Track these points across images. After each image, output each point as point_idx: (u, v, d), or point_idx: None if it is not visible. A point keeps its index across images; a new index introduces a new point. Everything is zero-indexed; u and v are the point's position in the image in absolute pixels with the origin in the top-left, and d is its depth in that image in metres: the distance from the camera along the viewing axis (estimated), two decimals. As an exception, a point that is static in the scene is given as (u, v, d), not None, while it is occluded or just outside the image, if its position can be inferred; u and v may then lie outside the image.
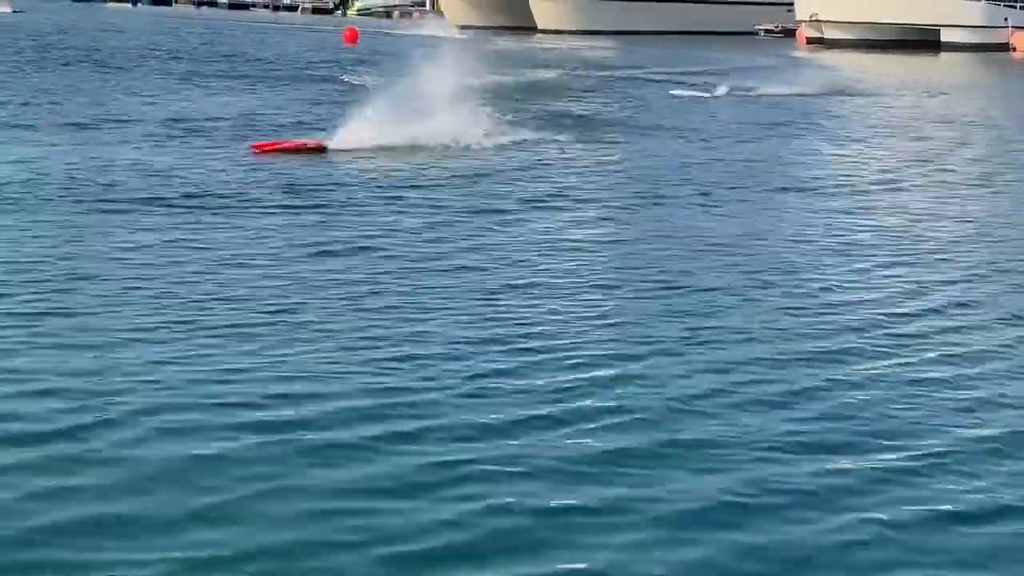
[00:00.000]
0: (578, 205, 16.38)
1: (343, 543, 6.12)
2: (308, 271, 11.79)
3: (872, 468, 7.33)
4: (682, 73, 44.70)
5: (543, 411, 8.06)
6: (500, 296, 11.08)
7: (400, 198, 16.12)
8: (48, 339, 9.21)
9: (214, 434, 7.43)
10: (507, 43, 67.64)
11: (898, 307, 11.29)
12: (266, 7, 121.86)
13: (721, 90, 36.26)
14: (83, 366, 8.57)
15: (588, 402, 8.25)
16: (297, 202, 15.55)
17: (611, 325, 10.26)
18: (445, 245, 13.29)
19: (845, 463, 7.40)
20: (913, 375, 9.19)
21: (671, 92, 36.43)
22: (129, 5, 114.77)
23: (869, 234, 15.05)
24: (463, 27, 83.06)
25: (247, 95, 31.15)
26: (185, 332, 9.54)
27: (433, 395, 8.29)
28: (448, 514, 6.48)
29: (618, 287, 11.66)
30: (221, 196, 15.70)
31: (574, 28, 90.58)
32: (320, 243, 13.10)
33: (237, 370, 8.65)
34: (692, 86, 37.83)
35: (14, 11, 79.17)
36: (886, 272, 12.87)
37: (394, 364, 8.93)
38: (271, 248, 12.79)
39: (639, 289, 11.60)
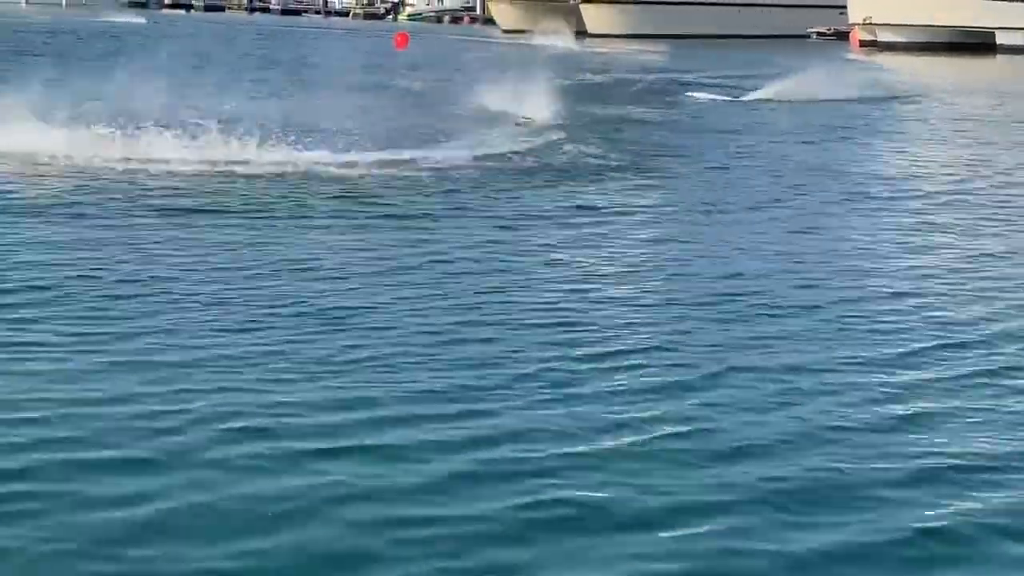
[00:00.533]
0: (636, 214, 16.31)
1: (416, 556, 6.10)
2: (361, 280, 11.73)
3: (961, 507, 7.06)
4: (728, 77, 44.48)
5: (615, 422, 8.00)
6: (564, 307, 10.97)
7: (464, 208, 16.07)
8: (103, 352, 9.20)
9: (278, 442, 7.41)
10: (559, 47, 67.45)
11: (969, 321, 11.07)
12: (317, 12, 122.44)
13: (753, 95, 35.86)
14: (141, 377, 8.55)
15: (660, 414, 8.18)
16: (353, 210, 15.57)
17: (679, 336, 10.14)
18: (505, 254, 13.25)
19: (926, 491, 7.26)
20: (987, 396, 8.94)
21: (688, 94, 36.12)
22: (183, 12, 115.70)
23: (938, 243, 14.84)
24: (580, 34, 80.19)
25: (290, 100, 31.24)
26: (247, 339, 9.54)
27: (497, 398, 8.27)
28: (511, 516, 6.48)
29: (683, 299, 11.50)
30: (269, 204, 15.76)
31: (624, 32, 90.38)
32: (374, 252, 13.09)
33: (300, 379, 8.63)
34: (721, 90, 37.41)
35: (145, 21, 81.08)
36: (956, 283, 12.66)
37: (460, 374, 8.89)
38: (327, 256, 12.72)
39: (704, 302, 11.42)
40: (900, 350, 10.03)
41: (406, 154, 20.24)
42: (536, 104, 26.79)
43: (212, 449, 7.27)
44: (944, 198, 18.84)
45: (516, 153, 21.07)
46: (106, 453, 7.16)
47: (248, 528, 6.30)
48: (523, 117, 24.26)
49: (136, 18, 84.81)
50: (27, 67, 32.77)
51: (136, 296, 10.71)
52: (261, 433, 7.54)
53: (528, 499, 6.74)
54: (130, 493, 6.62)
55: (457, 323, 10.24)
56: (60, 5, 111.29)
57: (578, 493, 6.84)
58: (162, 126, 20.35)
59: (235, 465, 7.05)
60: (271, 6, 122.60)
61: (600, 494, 6.84)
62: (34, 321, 9.88)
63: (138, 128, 20.18)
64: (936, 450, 7.76)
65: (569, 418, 8.02)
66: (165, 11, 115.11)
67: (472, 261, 12.72)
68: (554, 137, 22.88)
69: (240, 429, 7.59)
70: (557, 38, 70.23)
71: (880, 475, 7.34)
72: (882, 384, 9.04)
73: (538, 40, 67.55)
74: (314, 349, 9.32)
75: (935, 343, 10.26)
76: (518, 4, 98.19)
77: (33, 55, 43.46)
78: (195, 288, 11.07)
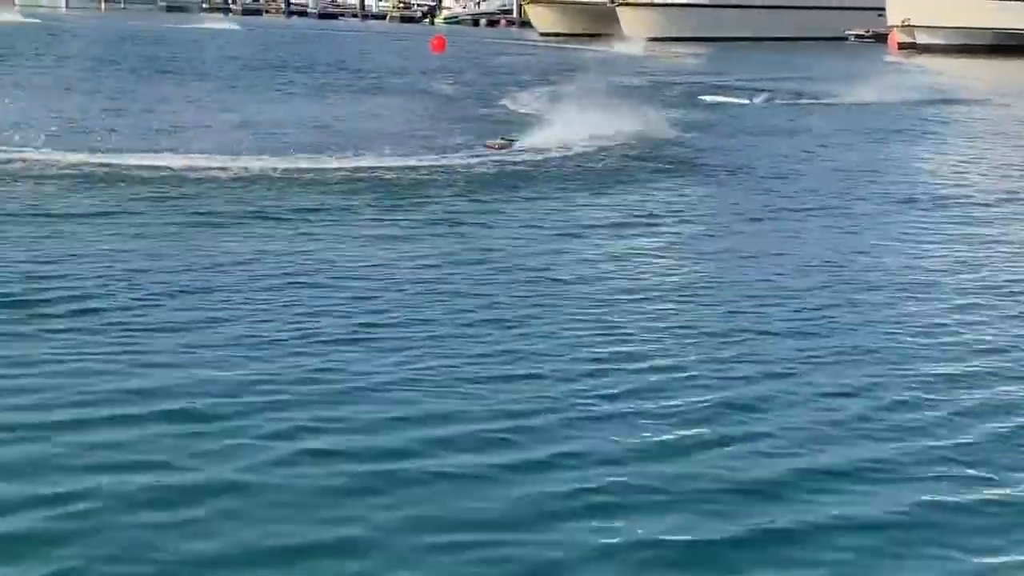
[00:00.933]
0: (684, 221, 16.11)
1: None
2: (404, 291, 11.57)
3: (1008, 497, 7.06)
4: (769, 79, 44.09)
5: (667, 435, 7.85)
6: (612, 318, 10.81)
7: (499, 212, 15.95)
8: (152, 357, 9.13)
9: (331, 462, 7.28)
10: (592, 50, 67.17)
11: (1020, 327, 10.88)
12: (354, 16, 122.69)
13: (760, 98, 35.52)
14: (185, 387, 8.44)
15: (712, 426, 8.03)
16: (393, 217, 15.45)
17: (732, 349, 9.96)
18: (549, 262, 13.09)
19: (979, 491, 7.15)
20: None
21: (702, 98, 35.83)
22: (221, 15, 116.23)
23: (997, 255, 14.53)
24: (651, 39, 78.80)
25: (341, 104, 31.25)
26: (293, 349, 9.44)
27: (554, 418, 8.11)
28: (579, 544, 6.28)
29: (735, 310, 11.31)
30: (315, 208, 15.70)
31: (661, 35, 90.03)
32: (416, 261, 12.95)
33: (349, 392, 8.51)
34: (762, 92, 36.91)
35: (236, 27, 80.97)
36: (1006, 290, 12.42)
37: (509, 384, 8.76)
38: (368, 266, 12.57)
39: (756, 313, 11.22)
40: (957, 369, 9.75)
41: (447, 158, 20.18)
42: (575, 109, 26.58)
43: (264, 472, 7.13)
44: (1002, 208, 18.40)
45: (558, 158, 20.92)
46: (154, 478, 7.01)
47: (303, 556, 6.15)
48: (502, 138, 22.94)
49: (229, 24, 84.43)
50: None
51: (179, 307, 10.62)
52: (314, 456, 7.38)
53: (589, 524, 6.57)
54: (181, 520, 6.49)
55: (504, 336, 10.09)
56: (99, 8, 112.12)
57: (635, 516, 6.67)
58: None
59: (290, 489, 6.90)
60: (308, 10, 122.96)
61: (658, 518, 6.67)
62: (74, 332, 9.80)
63: None
64: (999, 476, 7.54)
65: (623, 436, 7.84)
66: (203, 15, 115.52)
67: (517, 270, 12.56)
68: (596, 142, 22.67)
69: (294, 452, 7.44)
70: (625, 44, 69.11)
71: (940, 499, 7.14)
72: (940, 405, 8.80)
73: (593, 45, 66.57)
74: (360, 363, 9.18)
75: (994, 362, 9.96)
76: (555, 7, 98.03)
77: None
78: (237, 299, 10.97)
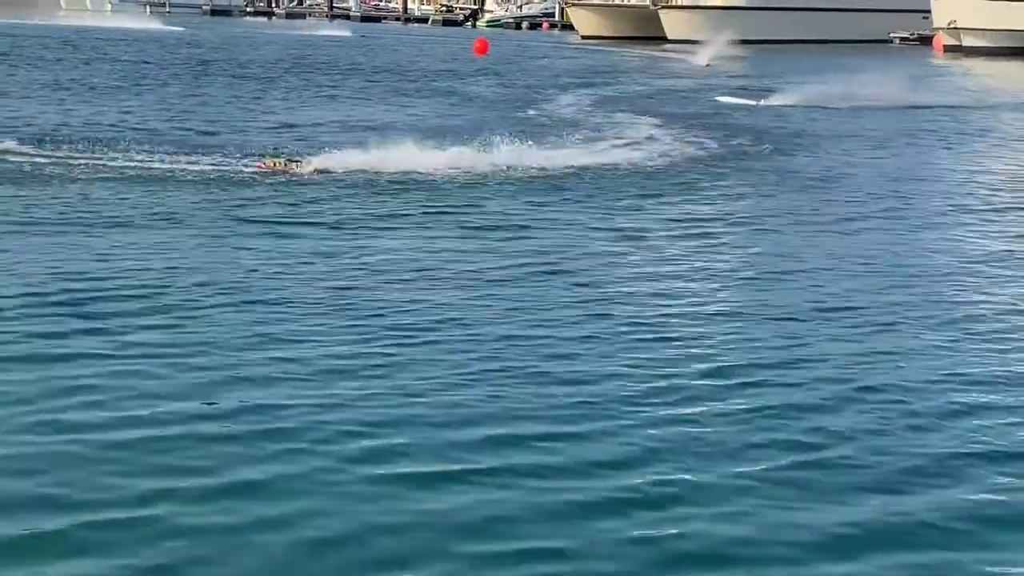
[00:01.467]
0: (736, 223, 16.02)
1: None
2: (458, 291, 11.54)
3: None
4: (815, 82, 43.63)
5: (734, 447, 7.78)
6: (670, 321, 10.75)
7: (555, 219, 15.81)
8: (196, 366, 9.09)
9: (385, 466, 7.26)
10: (637, 54, 66.87)
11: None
12: (397, 20, 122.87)
13: (770, 100, 35.27)
14: (241, 402, 8.35)
15: (781, 438, 7.95)
16: (445, 219, 15.41)
17: (792, 352, 9.89)
18: (603, 265, 13.02)
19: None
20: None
21: (716, 99, 35.60)
22: (265, 19, 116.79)
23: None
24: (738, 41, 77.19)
25: (387, 105, 31.32)
26: (344, 353, 9.41)
27: (616, 425, 8.07)
28: (651, 564, 6.25)
29: (794, 312, 11.23)
30: (353, 212, 15.66)
31: (705, 38, 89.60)
32: (470, 262, 12.88)
33: (404, 396, 8.49)
34: (809, 96, 36.56)
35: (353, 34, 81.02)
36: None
37: (568, 392, 8.70)
38: (421, 267, 12.55)
39: (815, 316, 11.13)
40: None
41: (495, 162, 20.04)
42: (618, 114, 26.48)
43: (316, 476, 7.12)
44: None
45: (605, 162, 20.78)
46: (201, 480, 7.02)
47: (355, 561, 6.14)
48: (286, 160, 19.10)
49: (342, 31, 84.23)
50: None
51: (231, 306, 10.63)
52: (368, 457, 7.37)
53: (648, 531, 6.52)
54: (229, 523, 6.49)
55: (561, 338, 10.04)
56: (144, 12, 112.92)
57: (699, 524, 6.62)
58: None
59: (340, 492, 6.89)
60: (351, 13, 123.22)
61: (724, 526, 6.61)
62: (126, 331, 9.81)
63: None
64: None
65: (685, 441, 7.78)
66: (248, 19, 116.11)
67: (570, 273, 12.49)
68: (643, 147, 22.57)
69: (345, 453, 7.43)
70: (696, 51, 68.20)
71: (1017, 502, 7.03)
72: (1009, 408, 8.69)
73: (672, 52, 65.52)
74: (417, 364, 9.17)
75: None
76: (598, 10, 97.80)
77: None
78: (289, 299, 10.97)
